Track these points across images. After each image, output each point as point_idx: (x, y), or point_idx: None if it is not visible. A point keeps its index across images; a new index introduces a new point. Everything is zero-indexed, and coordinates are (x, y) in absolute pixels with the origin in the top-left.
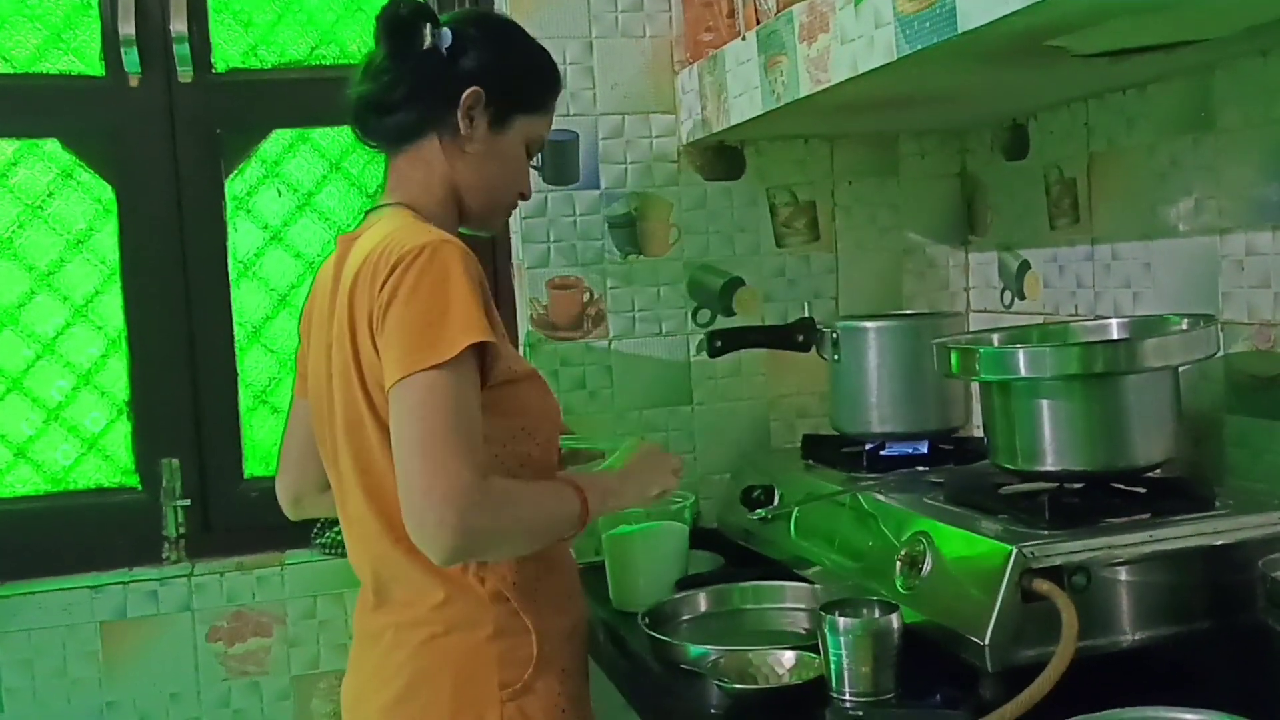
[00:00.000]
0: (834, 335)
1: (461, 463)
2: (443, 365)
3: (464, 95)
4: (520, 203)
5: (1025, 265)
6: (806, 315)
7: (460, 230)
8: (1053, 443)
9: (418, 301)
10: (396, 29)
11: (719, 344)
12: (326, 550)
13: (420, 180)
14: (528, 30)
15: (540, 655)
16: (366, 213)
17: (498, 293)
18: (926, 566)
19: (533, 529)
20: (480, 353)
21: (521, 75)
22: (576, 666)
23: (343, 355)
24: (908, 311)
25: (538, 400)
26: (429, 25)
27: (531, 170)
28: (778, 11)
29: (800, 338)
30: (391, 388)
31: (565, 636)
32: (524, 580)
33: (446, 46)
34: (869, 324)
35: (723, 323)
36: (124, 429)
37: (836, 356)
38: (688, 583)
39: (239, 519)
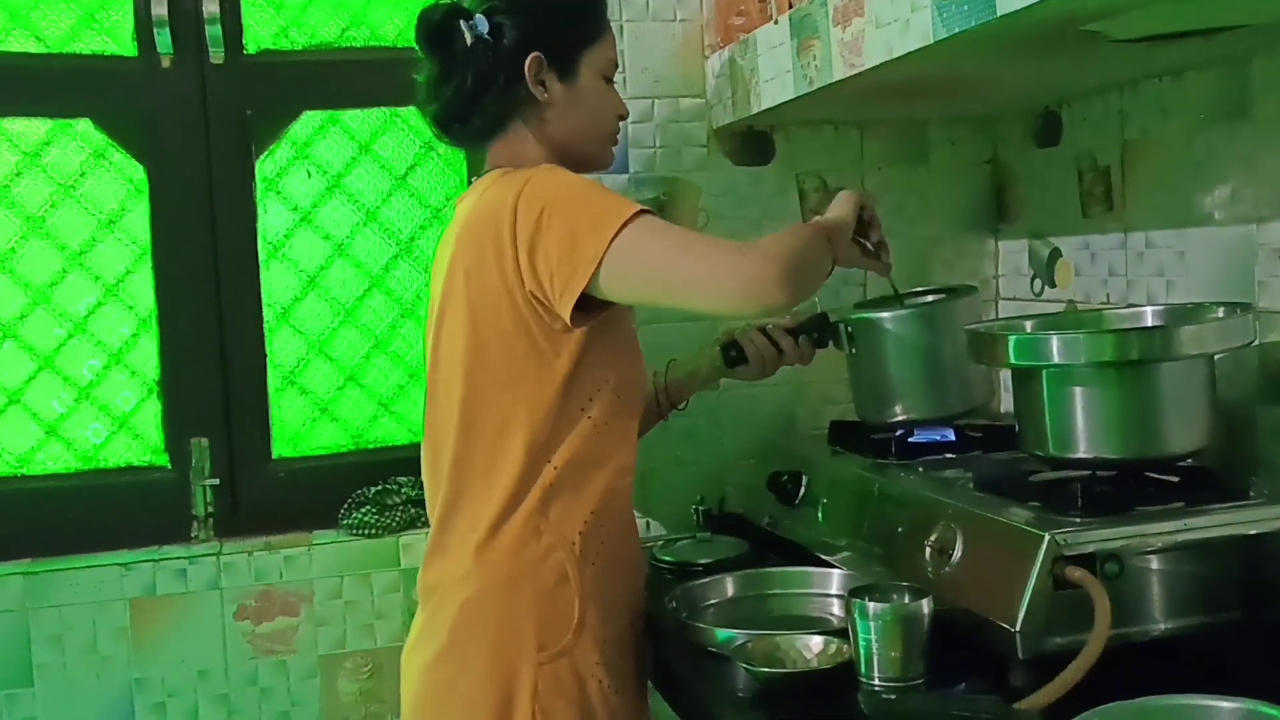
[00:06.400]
0: (848, 328)
1: (718, 243)
2: (630, 221)
3: (525, 68)
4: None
5: (1056, 253)
6: (819, 310)
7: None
8: (1085, 430)
9: (564, 206)
10: (436, 38)
11: (734, 354)
12: (353, 531)
13: (518, 159)
14: None
15: (582, 621)
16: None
17: None
18: (956, 553)
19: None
20: None
21: (565, 17)
22: (622, 640)
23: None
24: (918, 288)
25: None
26: (462, 21)
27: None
28: None
29: (815, 335)
30: (605, 254)
31: (615, 609)
32: (586, 544)
33: (485, 33)
34: (882, 314)
35: None
36: (154, 408)
37: (853, 349)
38: (715, 567)
39: (267, 499)
